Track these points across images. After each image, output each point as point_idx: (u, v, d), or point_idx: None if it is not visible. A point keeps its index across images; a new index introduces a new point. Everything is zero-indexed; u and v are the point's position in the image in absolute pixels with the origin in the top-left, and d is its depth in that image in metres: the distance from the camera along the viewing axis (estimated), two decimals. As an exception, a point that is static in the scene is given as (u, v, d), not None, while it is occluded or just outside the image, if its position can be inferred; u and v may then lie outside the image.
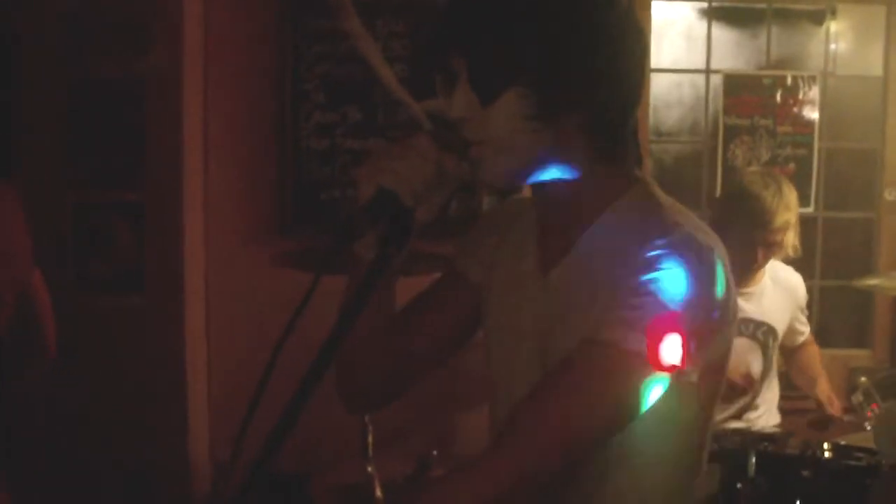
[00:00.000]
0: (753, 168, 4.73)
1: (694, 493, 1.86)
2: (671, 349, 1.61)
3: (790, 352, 4.33)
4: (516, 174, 1.75)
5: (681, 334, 1.61)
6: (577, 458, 1.68)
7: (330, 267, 1.57)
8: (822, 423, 4.08)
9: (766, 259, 3.99)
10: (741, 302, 4.01)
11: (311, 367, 1.50)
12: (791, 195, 3.98)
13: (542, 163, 1.73)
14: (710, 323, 1.66)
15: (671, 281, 1.61)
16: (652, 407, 1.64)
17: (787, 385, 4.32)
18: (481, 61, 1.67)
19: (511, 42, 1.65)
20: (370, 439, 3.29)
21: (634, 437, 1.68)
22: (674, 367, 1.62)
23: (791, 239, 3.97)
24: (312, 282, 1.56)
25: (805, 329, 4.31)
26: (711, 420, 1.84)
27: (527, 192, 1.88)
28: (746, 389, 3.97)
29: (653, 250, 1.63)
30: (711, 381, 1.73)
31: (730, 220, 3.96)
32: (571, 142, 1.71)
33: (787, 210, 3.93)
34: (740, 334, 4.04)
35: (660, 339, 1.60)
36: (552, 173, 1.74)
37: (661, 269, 1.62)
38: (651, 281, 1.61)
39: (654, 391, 1.63)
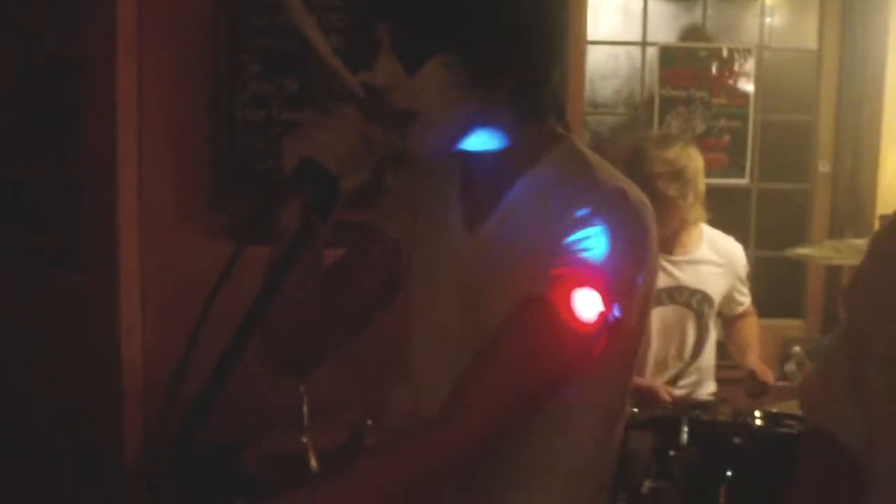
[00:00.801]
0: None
1: (618, 440, 1.90)
2: (607, 305, 1.65)
3: (729, 321, 4.37)
4: (445, 142, 1.76)
5: (616, 290, 1.66)
6: (526, 419, 1.70)
7: (258, 236, 1.57)
8: (758, 391, 4.11)
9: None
10: (674, 270, 4.04)
11: (234, 335, 1.50)
12: (677, 153, 3.97)
13: (469, 130, 1.74)
14: (641, 276, 1.71)
15: (607, 236, 1.65)
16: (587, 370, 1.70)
17: (722, 354, 4.36)
18: (404, 29, 1.67)
19: (434, 9, 1.65)
20: (305, 409, 3.29)
21: (568, 390, 1.71)
22: (608, 323, 1.66)
23: (683, 190, 3.94)
24: (235, 251, 1.56)
25: (745, 300, 4.33)
26: (633, 371, 1.89)
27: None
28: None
29: (587, 205, 1.67)
30: (636, 329, 1.77)
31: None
32: (497, 106, 1.73)
33: (665, 162, 3.92)
34: (673, 301, 4.07)
35: (597, 296, 1.64)
36: (479, 138, 1.76)
37: (596, 224, 1.65)
38: (587, 237, 1.65)
39: (592, 347, 1.67)
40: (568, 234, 1.66)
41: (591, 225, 1.65)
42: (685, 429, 3.29)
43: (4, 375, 4.11)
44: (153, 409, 4.35)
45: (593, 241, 1.64)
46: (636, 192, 1.73)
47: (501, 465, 1.74)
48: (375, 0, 1.71)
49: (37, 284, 4.24)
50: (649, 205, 1.73)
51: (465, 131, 1.74)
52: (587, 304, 1.63)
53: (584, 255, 1.64)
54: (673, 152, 3.95)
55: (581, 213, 1.66)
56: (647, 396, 3.79)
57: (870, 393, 1.54)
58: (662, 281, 4.01)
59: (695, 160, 3.99)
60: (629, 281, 1.68)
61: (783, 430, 3.33)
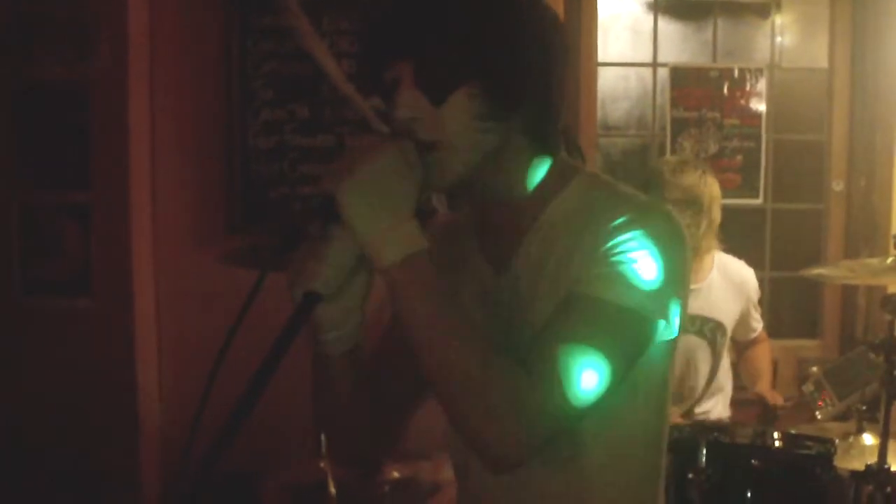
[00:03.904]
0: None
1: (665, 437, 1.86)
2: (653, 306, 1.65)
3: (741, 346, 4.34)
4: (466, 175, 1.73)
5: (662, 291, 1.65)
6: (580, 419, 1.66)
7: (276, 265, 1.56)
8: (769, 416, 4.08)
9: None
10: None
11: (256, 372, 1.50)
12: (694, 180, 3.93)
13: (489, 163, 1.73)
14: (684, 282, 1.72)
15: (650, 240, 1.64)
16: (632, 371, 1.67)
17: (737, 376, 4.34)
18: (430, 62, 1.67)
19: (461, 42, 1.66)
20: (323, 437, 3.27)
21: (612, 404, 1.67)
22: (654, 324, 1.66)
23: (696, 218, 3.91)
24: (257, 281, 1.55)
25: (757, 325, 4.30)
26: (670, 387, 1.84)
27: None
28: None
29: (623, 215, 1.66)
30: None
31: None
32: (516, 140, 1.74)
33: (680, 188, 3.89)
34: (686, 331, 4.02)
35: (643, 295, 1.63)
36: (497, 173, 1.75)
37: (636, 229, 1.64)
38: (629, 240, 1.64)
39: (642, 346, 1.67)
40: (607, 241, 1.64)
41: (632, 230, 1.65)
42: (703, 451, 3.27)
43: (20, 403, 4.10)
44: (169, 434, 4.34)
45: (637, 244, 1.64)
46: (666, 206, 1.74)
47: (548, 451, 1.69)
48: (396, 40, 1.70)
49: (49, 311, 4.23)
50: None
51: (484, 164, 1.72)
52: (636, 299, 1.63)
53: (630, 256, 1.64)
54: (689, 179, 3.91)
55: (618, 221, 1.65)
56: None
57: None
58: (674, 310, 3.99)
59: (711, 188, 3.95)
60: (675, 283, 1.68)
61: (802, 451, 3.31)
